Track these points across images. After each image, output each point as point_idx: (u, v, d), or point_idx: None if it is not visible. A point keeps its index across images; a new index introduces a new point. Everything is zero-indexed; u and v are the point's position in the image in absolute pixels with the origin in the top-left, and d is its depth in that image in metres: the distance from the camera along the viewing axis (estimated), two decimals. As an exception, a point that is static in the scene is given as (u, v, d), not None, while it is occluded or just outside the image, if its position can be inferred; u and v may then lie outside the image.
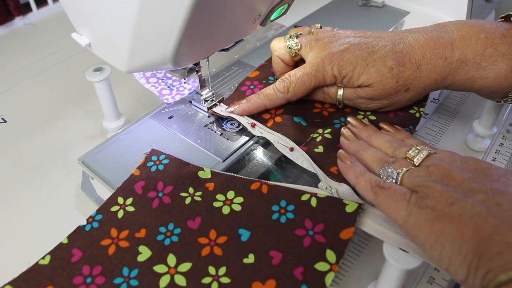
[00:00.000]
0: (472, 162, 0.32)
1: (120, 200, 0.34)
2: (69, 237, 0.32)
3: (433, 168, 0.32)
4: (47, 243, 0.31)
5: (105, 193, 0.37)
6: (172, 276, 0.30)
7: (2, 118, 0.52)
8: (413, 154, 0.34)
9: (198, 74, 0.41)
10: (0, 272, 0.30)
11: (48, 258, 0.30)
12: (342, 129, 0.39)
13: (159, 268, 0.30)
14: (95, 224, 0.33)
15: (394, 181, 0.33)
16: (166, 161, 0.37)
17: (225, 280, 0.29)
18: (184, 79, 0.41)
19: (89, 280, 0.29)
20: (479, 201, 0.28)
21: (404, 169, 0.33)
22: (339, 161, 0.36)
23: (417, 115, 0.42)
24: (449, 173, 0.30)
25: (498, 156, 0.45)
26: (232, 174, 0.36)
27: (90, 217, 0.33)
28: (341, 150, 0.36)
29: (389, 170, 0.34)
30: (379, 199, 0.31)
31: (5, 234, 0.38)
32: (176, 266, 0.30)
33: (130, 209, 0.34)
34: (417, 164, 0.33)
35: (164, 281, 0.29)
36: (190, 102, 0.45)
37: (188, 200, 0.34)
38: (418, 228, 0.28)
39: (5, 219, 0.40)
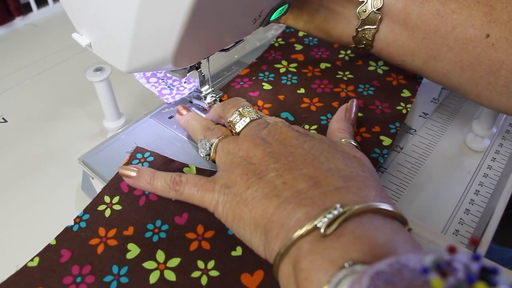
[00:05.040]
0: (278, 131, 0.31)
1: (107, 199, 0.34)
2: (57, 238, 0.32)
3: (241, 141, 0.31)
4: (47, 242, 0.31)
5: (105, 193, 0.37)
6: (161, 272, 0.30)
7: (3, 118, 0.52)
8: (235, 119, 0.32)
9: (198, 70, 0.41)
10: (2, 271, 0.30)
11: (36, 260, 0.30)
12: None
13: (149, 265, 0.30)
14: (83, 224, 0.33)
15: (207, 153, 0.32)
16: (151, 158, 0.37)
17: (214, 273, 0.30)
18: (184, 79, 0.41)
19: (79, 279, 0.29)
20: (269, 181, 0.27)
21: (216, 140, 0.31)
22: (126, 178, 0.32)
23: (404, 111, 0.42)
24: (252, 147, 0.30)
25: (498, 156, 0.45)
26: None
27: (78, 217, 0.33)
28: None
29: (203, 141, 0.32)
30: (184, 195, 0.31)
31: (5, 234, 0.38)
32: (165, 262, 0.31)
33: (117, 207, 0.34)
34: (238, 131, 0.32)
35: (154, 277, 0.30)
36: (191, 102, 0.45)
37: None
38: (226, 215, 0.29)
39: (5, 219, 0.40)
